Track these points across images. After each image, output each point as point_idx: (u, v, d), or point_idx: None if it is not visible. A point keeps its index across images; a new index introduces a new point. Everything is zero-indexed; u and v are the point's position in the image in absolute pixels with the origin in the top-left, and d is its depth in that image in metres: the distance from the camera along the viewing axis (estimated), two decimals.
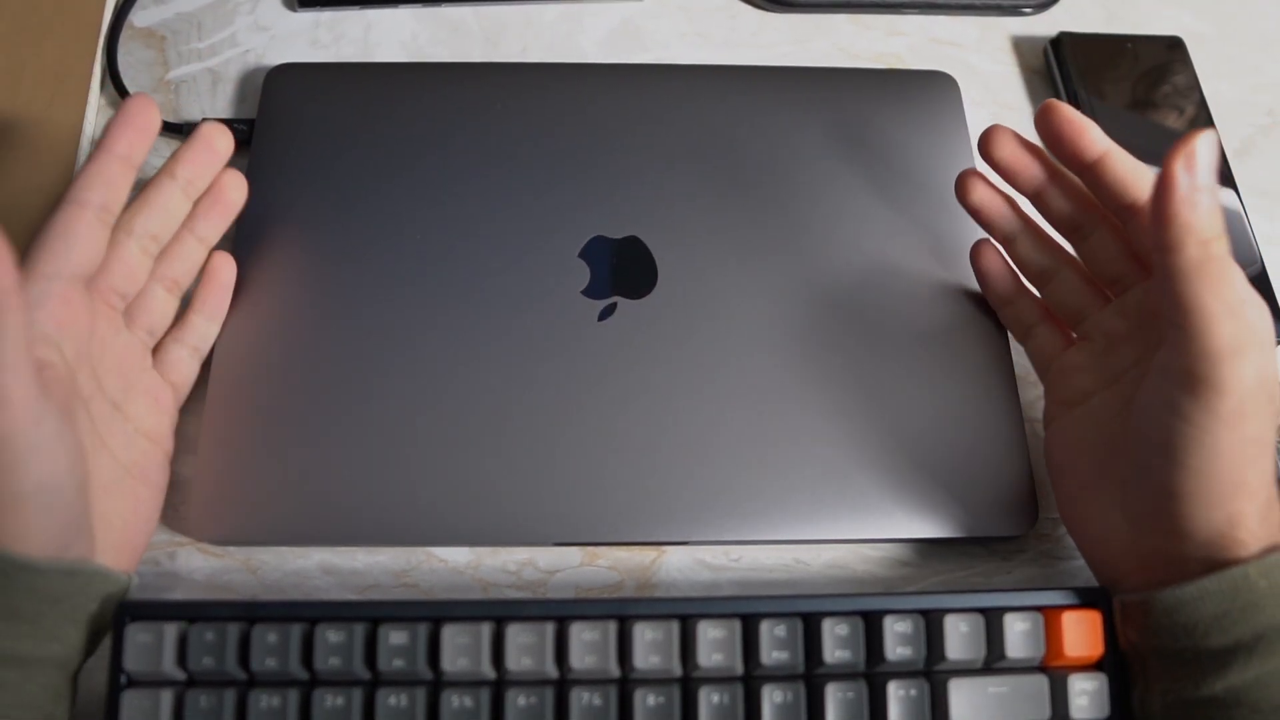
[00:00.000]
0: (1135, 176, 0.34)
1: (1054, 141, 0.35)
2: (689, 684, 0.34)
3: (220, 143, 0.39)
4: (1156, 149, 0.47)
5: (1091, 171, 0.35)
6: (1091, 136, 0.34)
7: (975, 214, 0.39)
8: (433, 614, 0.34)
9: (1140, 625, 0.33)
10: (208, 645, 0.33)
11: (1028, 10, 0.53)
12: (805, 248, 0.43)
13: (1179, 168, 0.28)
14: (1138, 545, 0.33)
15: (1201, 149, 0.28)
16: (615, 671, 0.34)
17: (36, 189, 0.43)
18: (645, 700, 0.33)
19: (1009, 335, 0.42)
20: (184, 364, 0.39)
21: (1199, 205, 0.28)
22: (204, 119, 0.45)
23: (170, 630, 0.33)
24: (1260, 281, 0.44)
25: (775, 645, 0.34)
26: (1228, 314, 0.28)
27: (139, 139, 0.35)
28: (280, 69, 0.47)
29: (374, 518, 0.38)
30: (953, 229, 0.44)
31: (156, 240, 0.37)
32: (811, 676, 0.34)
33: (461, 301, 0.41)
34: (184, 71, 0.48)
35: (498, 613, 0.34)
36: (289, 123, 0.45)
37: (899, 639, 0.34)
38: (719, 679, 0.34)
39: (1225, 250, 0.29)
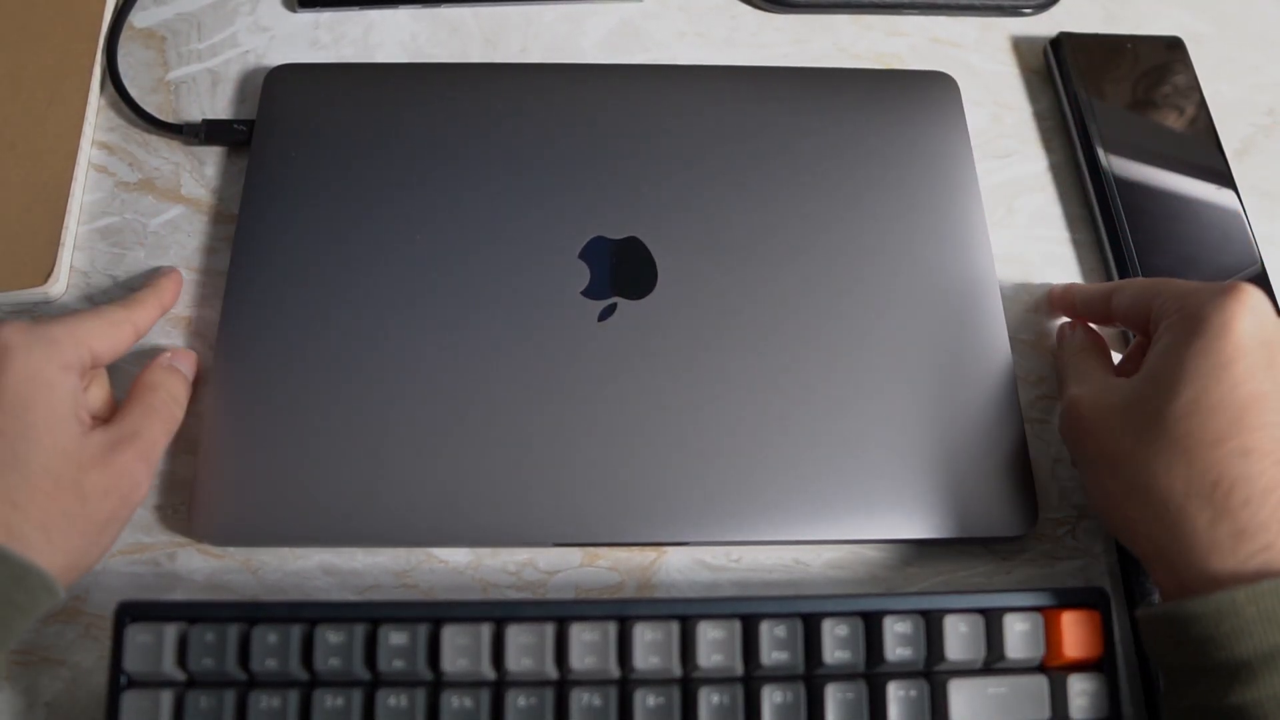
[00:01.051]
0: (1098, 298, 0.41)
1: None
2: (689, 684, 0.34)
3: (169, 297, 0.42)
4: (1156, 149, 0.47)
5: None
6: (1064, 332, 0.43)
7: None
8: (433, 614, 0.34)
9: (1146, 637, 0.34)
10: (208, 646, 0.33)
11: (1028, 10, 0.53)
12: (805, 248, 0.43)
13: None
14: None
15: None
16: (615, 672, 0.34)
17: (36, 188, 0.43)
18: (645, 701, 0.33)
19: (1008, 335, 0.42)
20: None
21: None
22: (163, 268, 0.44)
23: (170, 631, 0.33)
24: (1260, 282, 0.44)
25: (775, 645, 0.34)
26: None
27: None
28: (280, 69, 0.47)
29: (374, 518, 0.38)
30: (952, 228, 0.44)
31: None
32: (811, 677, 0.34)
33: (461, 302, 0.41)
34: (184, 72, 0.48)
35: (498, 613, 0.34)
36: (289, 123, 0.45)
37: (899, 639, 0.34)
38: (719, 679, 0.34)
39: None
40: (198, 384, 0.41)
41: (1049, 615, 0.35)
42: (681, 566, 0.39)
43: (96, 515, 0.34)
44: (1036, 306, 0.45)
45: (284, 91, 0.46)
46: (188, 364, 0.41)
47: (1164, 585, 0.34)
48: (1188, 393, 0.33)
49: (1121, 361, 0.41)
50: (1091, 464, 0.36)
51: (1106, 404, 0.36)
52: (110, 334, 0.38)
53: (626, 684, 0.34)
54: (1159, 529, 0.33)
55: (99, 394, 0.38)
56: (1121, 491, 0.34)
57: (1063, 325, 0.44)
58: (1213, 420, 0.32)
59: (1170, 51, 0.51)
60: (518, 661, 0.33)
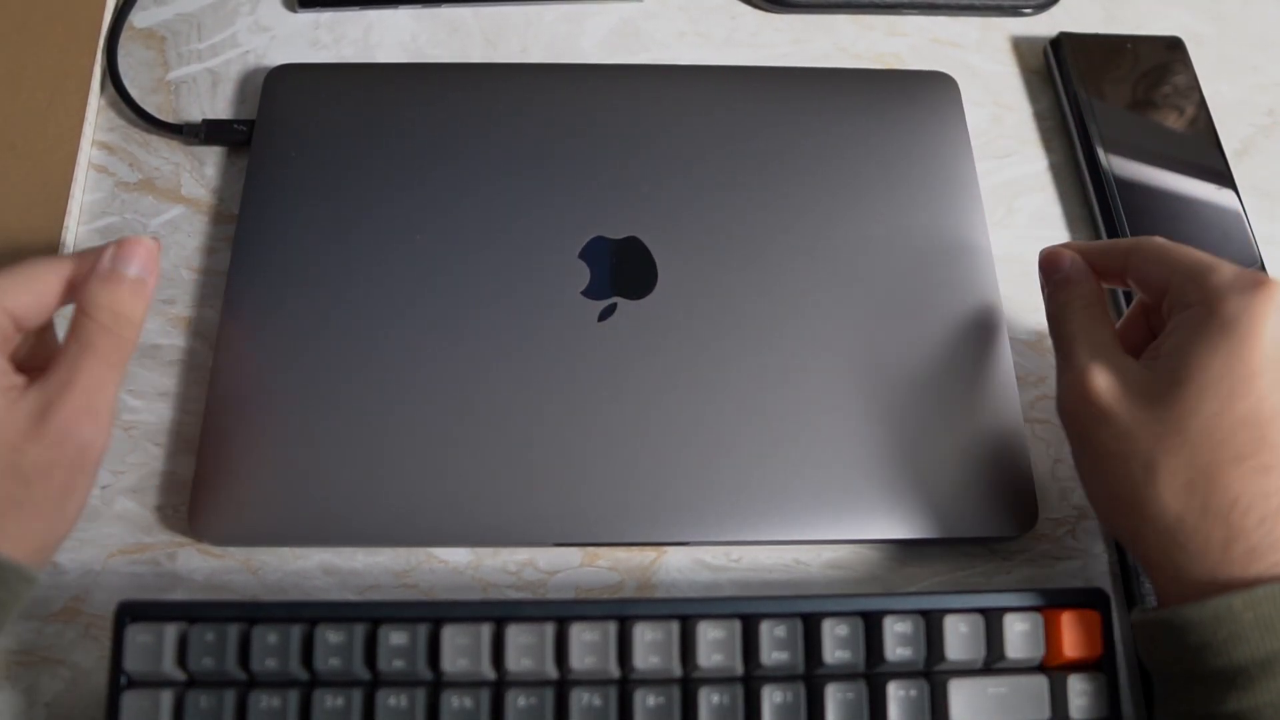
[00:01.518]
0: (1113, 255, 0.37)
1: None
2: (689, 684, 0.34)
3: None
4: (1156, 149, 0.47)
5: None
6: (1060, 262, 0.38)
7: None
8: (433, 614, 0.34)
9: (1141, 642, 0.34)
10: (208, 646, 0.33)
11: (1028, 10, 0.53)
12: (805, 248, 0.43)
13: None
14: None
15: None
16: (615, 672, 0.34)
17: (36, 188, 0.43)
18: (645, 700, 0.33)
19: (1008, 335, 0.42)
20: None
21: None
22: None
23: (170, 630, 0.33)
24: None
25: (775, 645, 0.34)
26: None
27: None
28: (280, 69, 0.47)
29: (374, 518, 0.38)
30: (952, 228, 0.44)
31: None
32: (811, 677, 0.34)
33: (461, 302, 0.41)
34: (184, 72, 0.48)
35: (498, 613, 0.34)
36: (289, 123, 0.45)
37: (899, 639, 0.34)
38: (719, 679, 0.34)
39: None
40: (197, 378, 0.41)
41: (1049, 615, 0.35)
42: (681, 566, 0.39)
43: (47, 493, 0.31)
44: (1037, 307, 0.45)
45: (284, 91, 0.46)
46: (136, 261, 0.33)
47: (1163, 591, 0.33)
48: (1213, 404, 0.31)
49: (1123, 324, 0.38)
50: (1097, 456, 0.34)
51: (1121, 391, 0.33)
52: (28, 289, 0.32)
53: (626, 684, 0.34)
54: (1168, 541, 0.32)
55: (34, 341, 0.34)
56: (1129, 498, 0.32)
57: (1053, 254, 0.38)
58: (1237, 437, 0.31)
59: (1170, 51, 0.51)
60: (518, 661, 0.33)
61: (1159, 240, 0.36)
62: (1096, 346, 0.35)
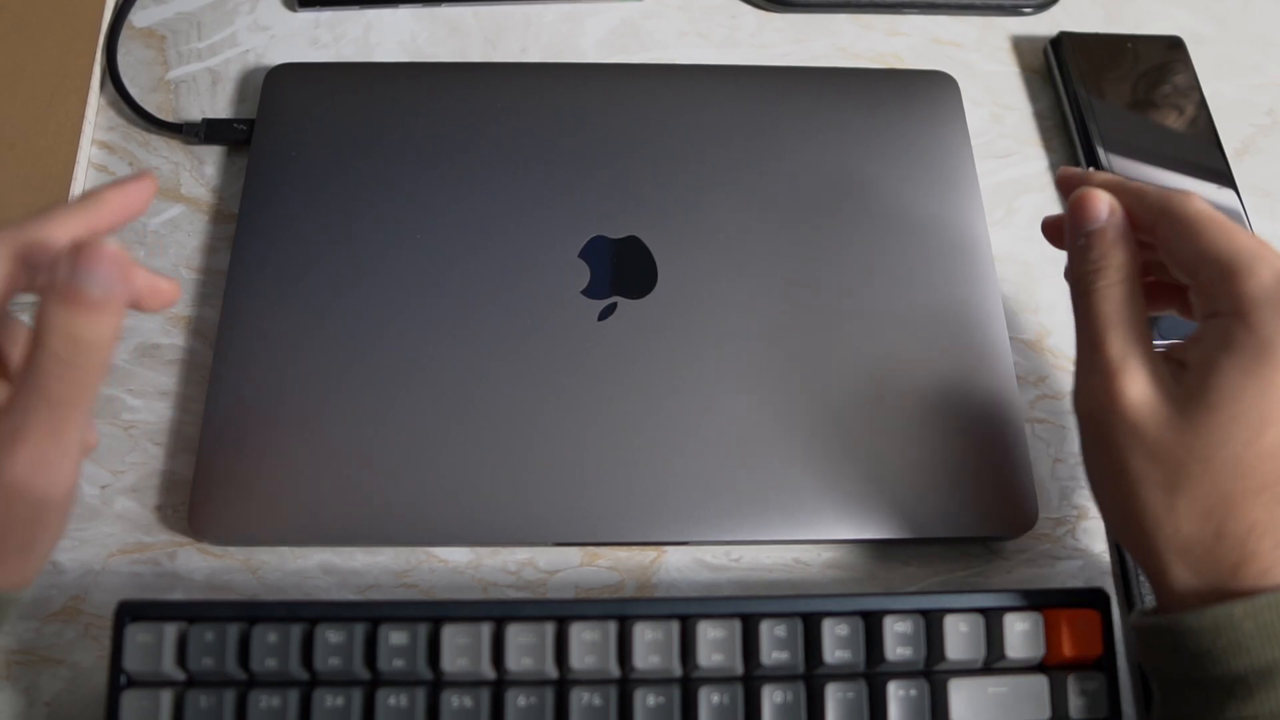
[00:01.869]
0: (1145, 209, 0.33)
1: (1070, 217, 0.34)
2: (689, 684, 0.34)
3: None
4: (1156, 149, 0.47)
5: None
6: (1095, 210, 0.32)
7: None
8: (433, 614, 0.34)
9: (1140, 646, 0.33)
10: (208, 645, 0.33)
11: (1028, 10, 0.53)
12: (805, 248, 0.43)
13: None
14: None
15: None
16: (615, 671, 0.34)
17: (36, 188, 0.43)
18: (645, 700, 0.33)
19: (1008, 335, 0.42)
20: None
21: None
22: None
23: (170, 630, 0.33)
24: None
25: (775, 645, 0.34)
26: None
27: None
28: (280, 69, 0.47)
29: (374, 518, 0.38)
30: (952, 228, 0.44)
31: None
32: (811, 676, 0.34)
33: (461, 301, 0.41)
34: (184, 71, 0.48)
35: (498, 613, 0.34)
36: (289, 123, 0.45)
37: (899, 639, 0.34)
38: (719, 679, 0.34)
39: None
40: (197, 378, 0.41)
41: (1049, 615, 0.35)
42: (681, 566, 0.39)
43: (7, 545, 0.29)
44: (1037, 307, 0.45)
45: (284, 91, 0.46)
46: (100, 272, 0.26)
47: (1164, 601, 0.32)
48: (1242, 435, 0.29)
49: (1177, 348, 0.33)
50: (1112, 466, 0.32)
51: (1152, 405, 0.31)
52: None
53: (626, 684, 0.34)
54: (1175, 557, 0.31)
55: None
56: (1140, 513, 0.31)
57: (1089, 198, 0.32)
58: (1262, 467, 0.30)
59: (1170, 51, 0.51)
60: (518, 661, 0.33)
61: (1193, 209, 0.31)
62: (1131, 339, 0.31)
